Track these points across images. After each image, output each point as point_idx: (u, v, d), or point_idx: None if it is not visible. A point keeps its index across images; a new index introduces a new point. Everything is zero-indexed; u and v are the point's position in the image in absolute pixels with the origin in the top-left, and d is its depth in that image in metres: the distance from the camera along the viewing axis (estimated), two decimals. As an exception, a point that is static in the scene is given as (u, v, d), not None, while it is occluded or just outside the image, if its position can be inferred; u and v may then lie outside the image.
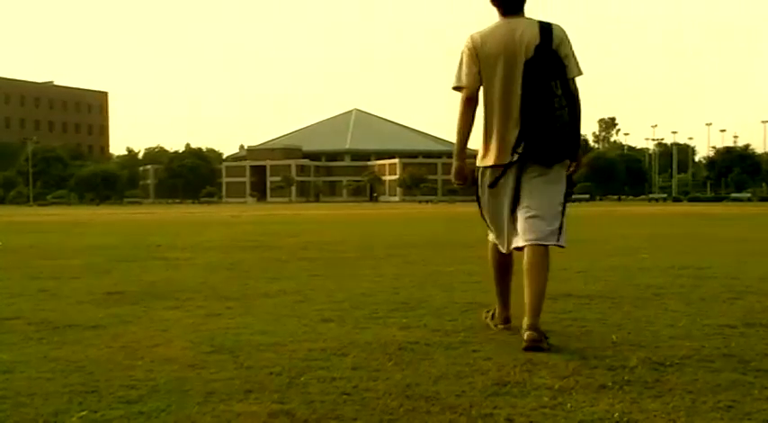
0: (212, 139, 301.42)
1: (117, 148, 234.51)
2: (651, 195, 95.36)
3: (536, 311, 3.87)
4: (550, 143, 3.98)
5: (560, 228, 4.04)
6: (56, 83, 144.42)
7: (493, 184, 4.12)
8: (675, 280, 6.79)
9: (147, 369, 3.47)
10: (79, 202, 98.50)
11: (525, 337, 3.82)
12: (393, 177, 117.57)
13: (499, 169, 4.10)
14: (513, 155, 4.04)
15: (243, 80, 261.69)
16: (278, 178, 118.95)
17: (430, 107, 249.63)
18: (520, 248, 4.09)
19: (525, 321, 3.88)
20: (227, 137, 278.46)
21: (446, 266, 8.18)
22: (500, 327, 4.36)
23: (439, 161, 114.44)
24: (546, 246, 4.00)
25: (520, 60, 4.01)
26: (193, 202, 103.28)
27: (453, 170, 4.24)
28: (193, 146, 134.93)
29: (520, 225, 4.05)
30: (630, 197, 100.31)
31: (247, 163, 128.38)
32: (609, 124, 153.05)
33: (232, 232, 17.71)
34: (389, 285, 6.53)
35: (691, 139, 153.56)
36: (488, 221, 4.26)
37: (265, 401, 2.94)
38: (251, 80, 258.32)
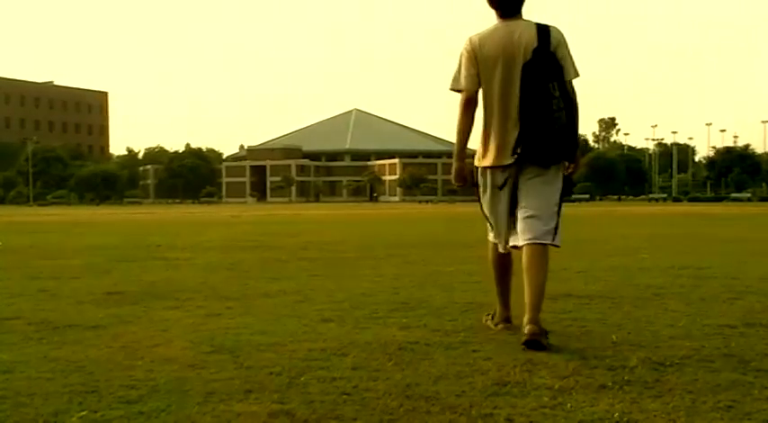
0: (212, 139, 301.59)
1: (117, 148, 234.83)
2: (651, 195, 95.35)
3: (536, 307, 3.91)
4: (548, 145, 4.04)
5: (556, 228, 4.11)
6: (56, 83, 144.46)
7: (502, 186, 4.18)
8: (675, 280, 6.79)
9: (147, 369, 3.47)
10: (79, 202, 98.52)
11: (525, 330, 3.86)
12: (393, 177, 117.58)
13: (499, 170, 4.15)
14: (511, 156, 4.09)
15: (243, 80, 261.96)
16: (278, 178, 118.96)
17: (430, 107, 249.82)
18: (517, 247, 4.16)
19: (526, 316, 3.91)
20: (227, 137, 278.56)
21: (446, 266, 8.18)
22: (500, 326, 4.37)
23: (439, 161, 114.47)
24: (543, 244, 4.05)
25: (518, 63, 4.06)
26: (193, 202, 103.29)
27: (453, 171, 4.31)
28: (193, 146, 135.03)
29: (518, 225, 4.13)
30: (630, 197, 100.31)
31: (247, 163, 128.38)
32: (609, 124, 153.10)
33: (232, 232, 17.71)
34: (389, 285, 6.53)
35: (691, 139, 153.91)
36: (489, 220, 4.32)
37: (265, 401, 2.94)
38: (251, 80, 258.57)
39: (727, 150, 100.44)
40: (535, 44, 4.03)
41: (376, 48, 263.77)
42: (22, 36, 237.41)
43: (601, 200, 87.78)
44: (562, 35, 4.11)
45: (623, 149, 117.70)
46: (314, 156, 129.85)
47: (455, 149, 4.29)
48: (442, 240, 13.74)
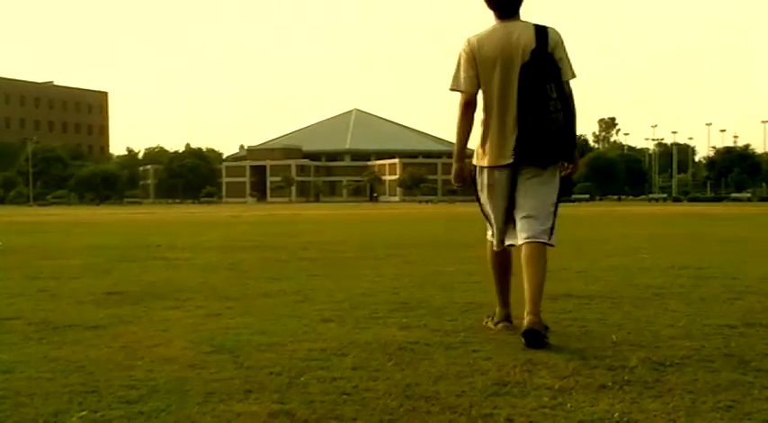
0: (212, 139, 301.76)
1: (117, 148, 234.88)
2: (651, 195, 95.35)
3: (536, 301, 3.96)
4: (545, 145, 4.09)
5: (551, 228, 4.16)
6: (56, 83, 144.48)
7: (500, 185, 4.21)
8: (675, 280, 6.79)
9: (147, 369, 3.47)
10: (79, 202, 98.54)
11: (525, 321, 3.91)
12: (393, 177, 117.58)
13: (498, 169, 4.20)
14: (510, 156, 4.14)
15: (243, 80, 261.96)
16: (278, 178, 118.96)
17: (430, 107, 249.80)
18: (513, 246, 4.26)
19: (526, 309, 3.96)
20: (227, 137, 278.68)
21: (446, 266, 8.18)
22: (500, 326, 4.37)
23: (439, 161, 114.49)
24: (540, 243, 4.10)
25: (516, 64, 4.10)
26: (193, 202, 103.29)
27: (453, 171, 4.38)
28: (193, 146, 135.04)
29: (516, 225, 4.19)
30: (630, 197, 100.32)
31: (247, 163, 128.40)
32: (609, 124, 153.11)
33: (232, 232, 17.71)
34: (389, 285, 6.53)
35: (691, 139, 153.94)
36: (488, 219, 4.37)
37: (265, 401, 2.94)
38: (251, 80, 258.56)
39: (727, 150, 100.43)
40: (533, 45, 4.07)
41: (376, 48, 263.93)
42: (22, 36, 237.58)
43: (601, 200, 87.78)
44: (560, 36, 4.15)
45: (623, 149, 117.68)
46: (314, 156, 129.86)
47: (455, 150, 4.37)
48: (442, 240, 13.74)
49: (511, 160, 4.14)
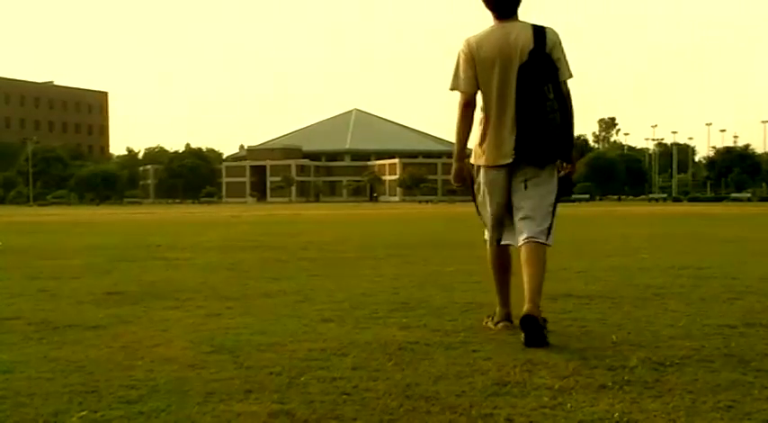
0: (212, 139, 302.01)
1: (117, 148, 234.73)
2: (651, 195, 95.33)
3: (535, 294, 4.00)
4: (543, 146, 4.13)
5: (549, 228, 4.20)
6: (56, 83, 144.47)
7: (498, 185, 4.25)
8: (675, 280, 6.79)
9: (147, 369, 3.47)
10: (79, 202, 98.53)
11: (524, 309, 3.96)
12: (393, 177, 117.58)
13: (496, 169, 4.24)
14: (508, 157, 4.18)
15: (243, 80, 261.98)
16: (278, 178, 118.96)
17: (430, 107, 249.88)
18: (509, 245, 4.32)
19: (526, 299, 4.00)
20: (227, 137, 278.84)
21: (446, 266, 8.17)
22: (500, 326, 4.38)
23: (439, 161, 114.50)
24: (538, 242, 4.14)
25: (515, 64, 4.13)
26: (193, 202, 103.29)
27: (453, 171, 4.43)
28: (193, 146, 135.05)
29: (515, 226, 4.23)
30: (630, 197, 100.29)
31: (247, 163, 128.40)
32: (609, 124, 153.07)
33: (232, 232, 17.71)
34: (389, 285, 6.53)
35: (691, 139, 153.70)
36: (483, 218, 4.42)
37: (265, 401, 2.94)
38: (251, 80, 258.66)
39: (727, 150, 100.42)
40: (531, 46, 4.11)
41: (376, 48, 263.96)
42: (22, 36, 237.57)
43: (601, 200, 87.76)
44: (557, 36, 4.19)
45: (623, 149, 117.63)
46: (314, 156, 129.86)
47: (455, 150, 4.43)
48: (442, 240, 13.74)
49: (509, 160, 4.17)
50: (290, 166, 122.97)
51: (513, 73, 4.12)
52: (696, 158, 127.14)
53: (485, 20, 4.29)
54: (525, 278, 4.06)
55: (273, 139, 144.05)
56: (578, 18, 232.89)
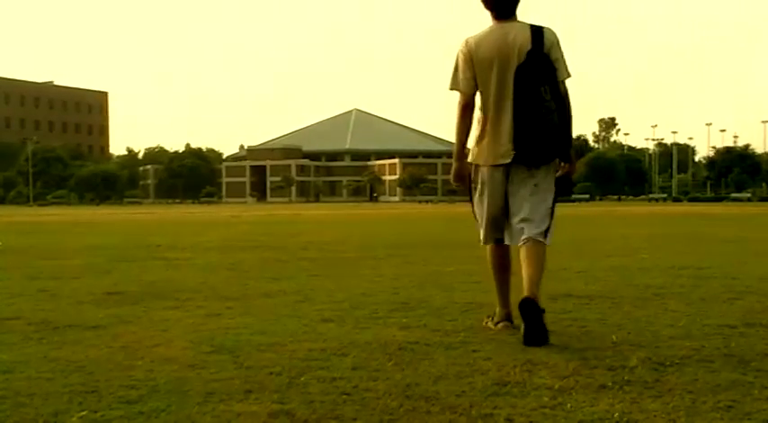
0: (212, 139, 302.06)
1: (117, 148, 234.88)
2: (651, 195, 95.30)
3: (534, 284, 4.04)
4: (540, 146, 4.16)
5: (548, 228, 4.23)
6: (56, 83, 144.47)
7: (495, 184, 4.28)
8: (675, 280, 6.79)
9: (147, 369, 3.47)
10: (79, 202, 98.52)
11: (523, 294, 4.00)
12: (393, 177, 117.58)
13: (493, 168, 4.26)
14: (506, 157, 4.20)
15: (243, 80, 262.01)
16: (278, 178, 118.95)
17: (430, 107, 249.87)
18: (502, 241, 4.37)
19: (524, 288, 4.04)
20: (227, 137, 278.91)
21: (446, 266, 8.17)
22: (500, 326, 4.38)
23: (439, 161, 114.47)
24: (537, 240, 4.18)
25: (512, 65, 4.16)
26: (193, 202, 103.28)
27: (453, 170, 4.46)
28: (193, 146, 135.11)
29: (513, 228, 4.26)
30: (630, 197, 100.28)
31: (247, 163, 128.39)
32: (609, 124, 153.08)
33: (232, 232, 17.71)
34: (389, 285, 6.53)
35: (691, 139, 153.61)
36: (477, 216, 4.44)
37: (265, 401, 2.94)
38: (251, 80, 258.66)
39: (727, 150, 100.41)
40: (529, 46, 4.13)
41: (376, 48, 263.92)
42: (22, 36, 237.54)
43: (601, 200, 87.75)
44: (555, 36, 4.21)
45: (623, 149, 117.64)
46: (314, 156, 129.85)
47: (455, 150, 4.45)
48: (442, 240, 13.73)
49: (508, 160, 4.20)
50: (290, 166, 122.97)
51: (510, 73, 4.15)
52: (696, 158, 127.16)
53: (485, 20, 4.31)
54: (524, 273, 4.09)
55: (273, 139, 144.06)
56: (578, 18, 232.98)
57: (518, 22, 4.23)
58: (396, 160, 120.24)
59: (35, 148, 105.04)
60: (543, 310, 3.98)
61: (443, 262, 8.72)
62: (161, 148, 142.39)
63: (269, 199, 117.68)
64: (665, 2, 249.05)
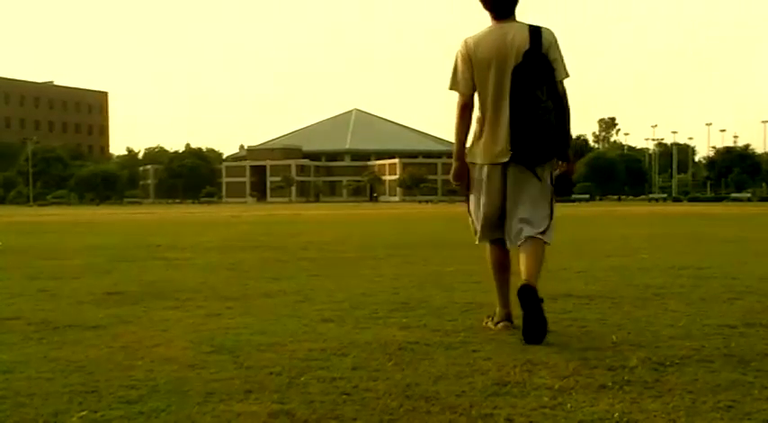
0: (212, 139, 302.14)
1: (117, 148, 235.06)
2: (651, 195, 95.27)
3: (532, 275, 4.07)
4: (536, 147, 4.18)
5: (547, 228, 4.27)
6: (56, 83, 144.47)
7: (493, 183, 4.30)
8: (675, 280, 6.79)
9: (147, 369, 3.47)
10: (79, 203, 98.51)
11: (521, 281, 4.03)
12: (393, 177, 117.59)
13: (490, 167, 4.29)
14: (503, 156, 4.23)
15: (243, 80, 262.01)
16: (278, 178, 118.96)
17: (430, 107, 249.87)
18: (498, 241, 4.39)
19: (522, 278, 4.07)
20: (227, 137, 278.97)
21: (446, 266, 8.17)
22: (500, 326, 4.38)
23: (439, 161, 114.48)
24: (537, 238, 4.23)
25: (510, 65, 4.18)
26: (193, 202, 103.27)
27: (453, 170, 4.48)
28: (193, 146, 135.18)
29: (512, 229, 4.28)
30: (630, 197, 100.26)
31: (247, 163, 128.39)
32: (609, 124, 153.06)
33: (232, 232, 17.71)
34: (389, 285, 6.53)
35: (691, 139, 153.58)
36: (473, 214, 4.46)
37: (265, 401, 2.94)
38: (251, 80, 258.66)
39: (727, 150, 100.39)
40: (526, 46, 4.16)
41: (376, 48, 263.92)
42: (22, 36, 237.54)
43: (601, 200, 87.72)
44: (554, 37, 4.23)
45: (623, 149, 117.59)
46: (314, 156, 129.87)
47: (454, 150, 4.47)
48: (442, 240, 13.74)
49: (505, 159, 4.23)
50: (290, 166, 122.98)
51: (508, 74, 4.18)
52: (696, 158, 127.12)
53: (484, 20, 4.32)
54: (522, 267, 4.13)
55: (273, 139, 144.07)
56: (578, 18, 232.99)
57: (517, 22, 4.25)
58: (396, 160, 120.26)
59: (35, 148, 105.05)
60: (542, 300, 4.00)
61: (443, 262, 8.72)
62: (161, 148, 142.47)
63: (269, 199, 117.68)
64: (665, 2, 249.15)
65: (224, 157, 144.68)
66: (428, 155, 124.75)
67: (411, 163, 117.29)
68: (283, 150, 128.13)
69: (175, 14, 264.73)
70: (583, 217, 26.36)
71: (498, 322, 4.41)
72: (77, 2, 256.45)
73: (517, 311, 4.27)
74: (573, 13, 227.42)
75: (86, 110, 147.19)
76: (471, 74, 4.26)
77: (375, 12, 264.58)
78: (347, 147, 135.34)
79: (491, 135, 4.26)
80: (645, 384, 3.16)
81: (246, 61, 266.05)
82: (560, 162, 4.32)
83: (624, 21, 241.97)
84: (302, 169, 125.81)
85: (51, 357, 3.73)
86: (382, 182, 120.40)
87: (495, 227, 4.35)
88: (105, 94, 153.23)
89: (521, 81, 4.14)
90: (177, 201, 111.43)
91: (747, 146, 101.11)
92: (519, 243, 4.23)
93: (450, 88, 4.35)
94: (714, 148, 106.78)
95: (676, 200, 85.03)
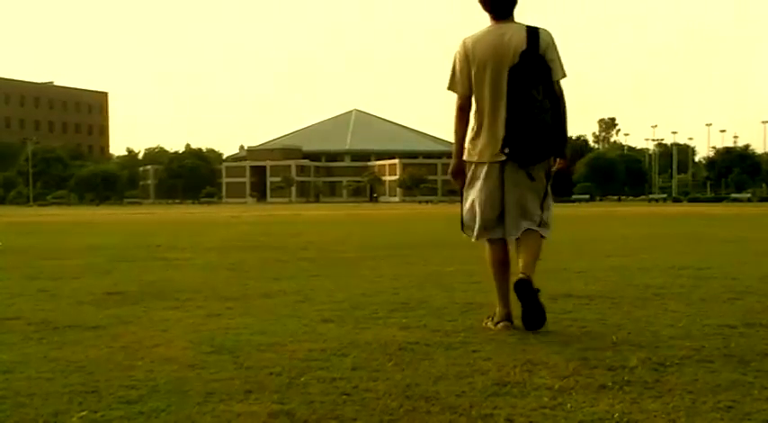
0: (212, 139, 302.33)
1: (117, 148, 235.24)
2: (651, 196, 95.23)
3: (529, 267, 4.16)
4: (532, 147, 4.24)
5: (545, 222, 4.37)
6: (56, 83, 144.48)
7: (489, 182, 4.37)
8: (675, 280, 6.79)
9: (147, 369, 3.47)
10: (79, 203, 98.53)
11: (518, 275, 4.11)
12: (393, 178, 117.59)
13: (487, 165, 4.34)
14: (500, 155, 4.28)
15: (243, 80, 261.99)
16: (278, 178, 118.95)
17: (430, 107, 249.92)
18: (494, 240, 4.45)
19: (519, 270, 4.16)
20: (227, 137, 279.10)
21: (446, 266, 8.17)
22: (500, 326, 4.38)
23: (439, 161, 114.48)
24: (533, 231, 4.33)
25: (506, 65, 4.23)
26: (193, 203, 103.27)
27: (452, 167, 4.54)
28: (193, 146, 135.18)
29: (510, 225, 4.36)
30: (630, 197, 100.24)
31: (247, 163, 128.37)
32: (609, 124, 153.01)
33: (232, 232, 17.71)
34: (389, 286, 6.53)
35: (691, 139, 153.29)
36: (466, 213, 4.52)
37: (265, 401, 2.94)
38: (251, 80, 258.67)
39: (727, 151, 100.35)
40: (524, 47, 4.20)
41: (376, 48, 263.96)
42: (22, 36, 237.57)
43: (601, 200, 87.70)
44: (551, 37, 4.28)
45: (623, 150, 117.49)
46: (314, 156, 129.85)
47: (454, 148, 4.52)
48: (442, 240, 13.73)
49: (502, 158, 4.27)
50: (290, 166, 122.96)
51: (504, 74, 4.22)
52: (696, 159, 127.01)
53: (484, 20, 4.34)
54: (519, 260, 4.20)
55: (273, 140, 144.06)
56: (578, 18, 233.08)
57: (515, 23, 4.29)
58: (396, 160, 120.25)
59: (35, 148, 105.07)
60: (538, 290, 4.06)
61: (443, 262, 8.72)
62: (161, 148, 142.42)
63: (269, 199, 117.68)
64: (665, 2, 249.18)
65: (224, 157, 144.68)
66: (428, 155, 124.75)
67: (411, 163, 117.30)
68: (283, 151, 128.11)
69: (175, 15, 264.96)
70: (583, 217, 26.37)
71: (498, 322, 4.41)
72: (77, 2, 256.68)
73: (517, 311, 4.28)
74: (573, 13, 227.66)
75: (86, 110, 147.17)
76: (469, 74, 4.30)
77: (375, 12, 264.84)
78: (347, 147, 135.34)
79: (489, 134, 4.30)
80: (645, 384, 3.16)
81: (246, 61, 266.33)
82: (558, 160, 4.37)
83: (624, 21, 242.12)
84: (302, 169, 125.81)
85: (51, 357, 3.73)
86: (382, 182, 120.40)
87: (494, 226, 4.39)
88: (105, 94, 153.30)
89: (517, 81, 4.18)
90: (177, 201, 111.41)
91: (747, 146, 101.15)
92: (517, 236, 4.31)
93: (449, 88, 4.40)
94: (714, 148, 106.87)
95: (676, 200, 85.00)
